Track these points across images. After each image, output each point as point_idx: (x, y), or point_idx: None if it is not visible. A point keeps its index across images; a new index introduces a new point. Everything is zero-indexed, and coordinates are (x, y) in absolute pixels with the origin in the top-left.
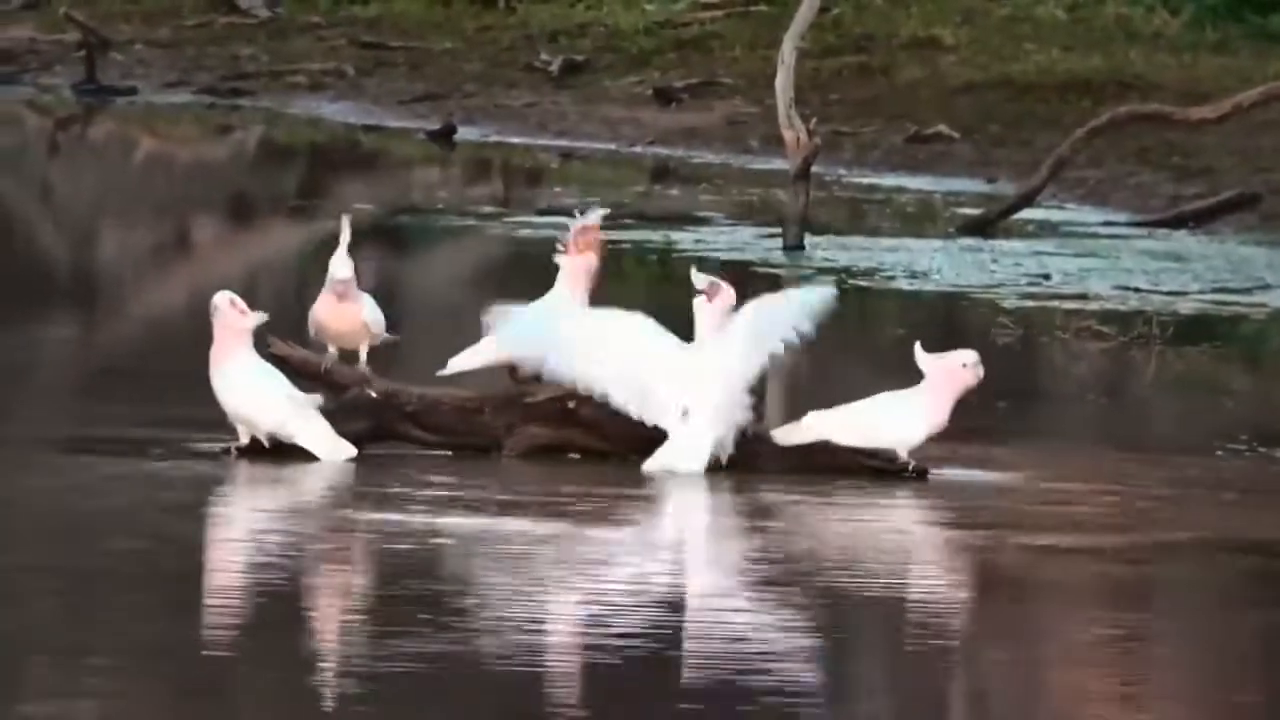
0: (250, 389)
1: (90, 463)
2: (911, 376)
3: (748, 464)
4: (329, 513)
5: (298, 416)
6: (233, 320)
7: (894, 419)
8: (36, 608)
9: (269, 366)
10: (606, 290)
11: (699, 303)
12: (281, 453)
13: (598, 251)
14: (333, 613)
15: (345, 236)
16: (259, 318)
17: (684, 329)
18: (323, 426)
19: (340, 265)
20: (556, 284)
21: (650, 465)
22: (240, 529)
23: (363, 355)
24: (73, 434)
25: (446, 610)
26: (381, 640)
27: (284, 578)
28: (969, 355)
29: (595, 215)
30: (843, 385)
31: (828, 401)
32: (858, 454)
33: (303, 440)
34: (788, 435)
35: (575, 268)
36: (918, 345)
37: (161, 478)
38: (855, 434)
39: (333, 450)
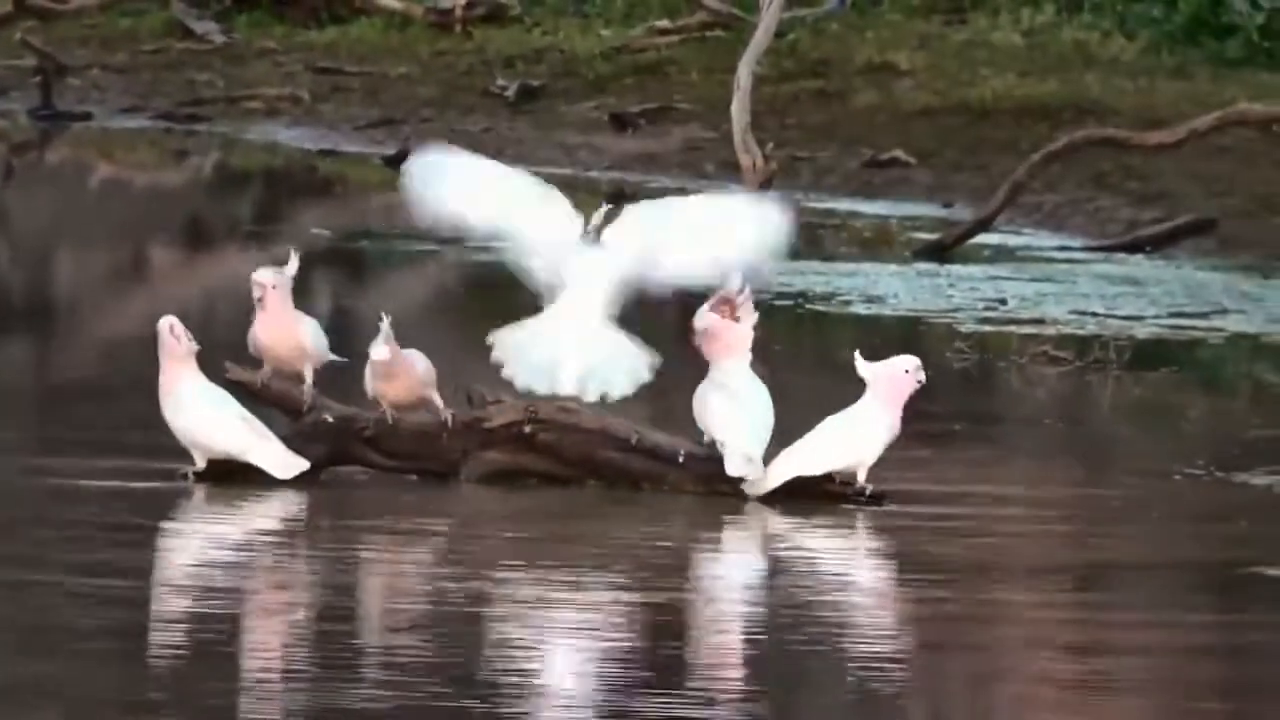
0: (201, 412)
1: (40, 486)
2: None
3: (706, 487)
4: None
5: (250, 436)
6: (172, 347)
7: (848, 439)
8: None
9: (218, 389)
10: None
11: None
12: (238, 477)
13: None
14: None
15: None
16: (192, 346)
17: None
18: (276, 445)
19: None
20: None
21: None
22: (186, 558)
23: (307, 377)
24: (23, 458)
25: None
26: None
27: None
28: (910, 360)
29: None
30: (800, 410)
31: (785, 426)
32: (815, 479)
33: (256, 459)
34: (758, 487)
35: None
36: (858, 354)
37: (112, 502)
38: (818, 463)
39: (287, 467)
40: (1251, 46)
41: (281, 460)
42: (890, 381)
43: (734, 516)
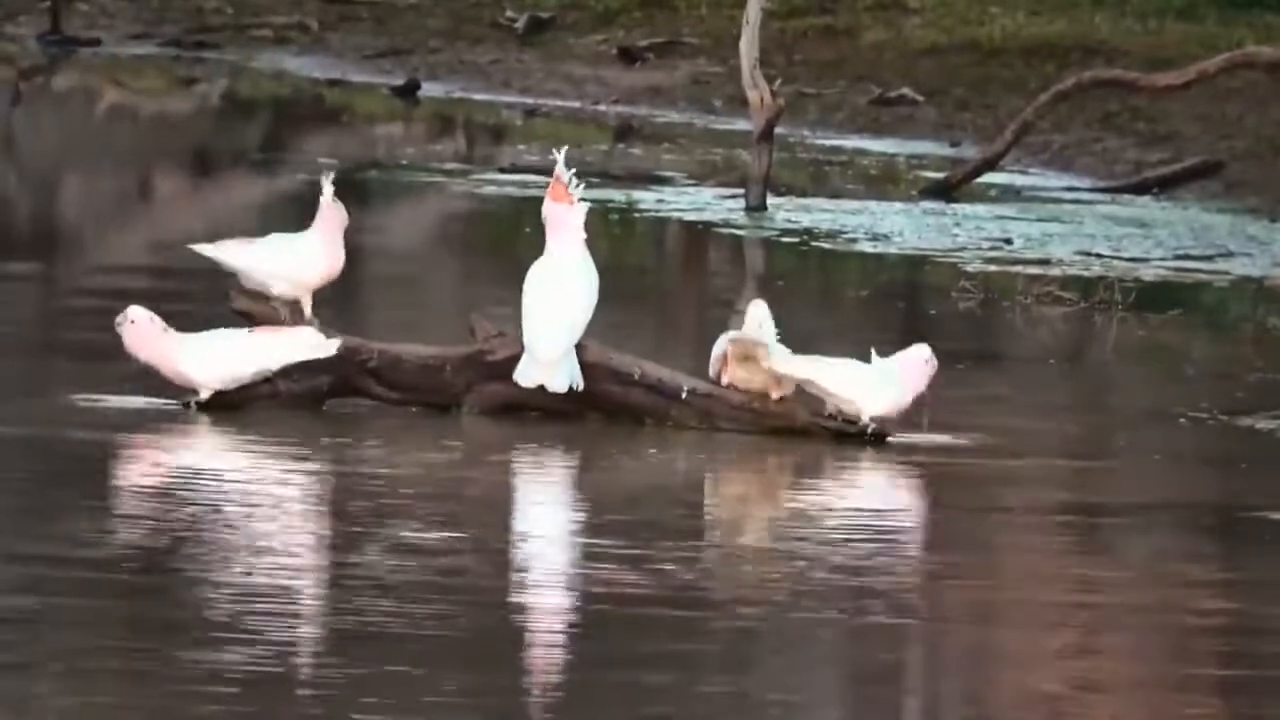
0: (216, 353)
1: (48, 415)
2: (873, 338)
3: (709, 423)
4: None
5: (271, 344)
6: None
7: (858, 386)
8: None
9: (210, 332)
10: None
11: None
12: (241, 407)
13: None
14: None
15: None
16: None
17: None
18: (298, 331)
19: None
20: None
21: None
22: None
23: (307, 307)
24: (31, 386)
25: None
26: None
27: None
28: (924, 350)
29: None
30: (805, 348)
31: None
32: (816, 416)
33: (293, 356)
34: (784, 364)
35: None
36: (873, 353)
37: (119, 430)
38: (819, 380)
39: (320, 347)
40: None
41: (315, 343)
42: (910, 372)
43: (738, 451)
